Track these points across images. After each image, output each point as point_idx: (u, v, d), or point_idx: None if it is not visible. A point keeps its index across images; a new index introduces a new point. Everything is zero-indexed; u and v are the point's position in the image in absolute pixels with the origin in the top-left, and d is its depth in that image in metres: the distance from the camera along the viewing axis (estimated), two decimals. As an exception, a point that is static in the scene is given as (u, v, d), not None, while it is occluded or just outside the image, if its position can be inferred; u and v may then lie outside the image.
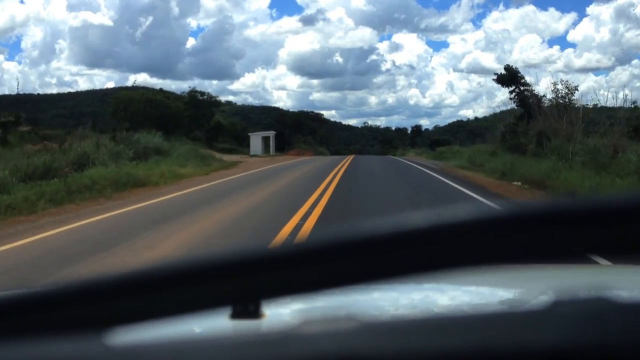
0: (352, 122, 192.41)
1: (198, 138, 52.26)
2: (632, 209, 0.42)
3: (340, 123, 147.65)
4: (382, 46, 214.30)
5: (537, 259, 0.45)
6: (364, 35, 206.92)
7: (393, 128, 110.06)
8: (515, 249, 0.43)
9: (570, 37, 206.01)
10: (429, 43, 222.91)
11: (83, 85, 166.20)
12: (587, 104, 22.52)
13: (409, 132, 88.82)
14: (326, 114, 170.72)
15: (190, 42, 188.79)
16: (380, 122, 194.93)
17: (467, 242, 0.43)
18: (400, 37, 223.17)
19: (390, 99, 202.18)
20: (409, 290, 1.14)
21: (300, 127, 67.53)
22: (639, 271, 1.25)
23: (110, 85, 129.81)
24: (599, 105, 22.63)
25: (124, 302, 0.46)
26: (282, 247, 0.46)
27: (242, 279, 0.45)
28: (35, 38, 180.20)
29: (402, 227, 0.44)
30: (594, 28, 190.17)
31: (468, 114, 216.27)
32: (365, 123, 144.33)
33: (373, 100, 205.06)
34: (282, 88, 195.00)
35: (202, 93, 60.36)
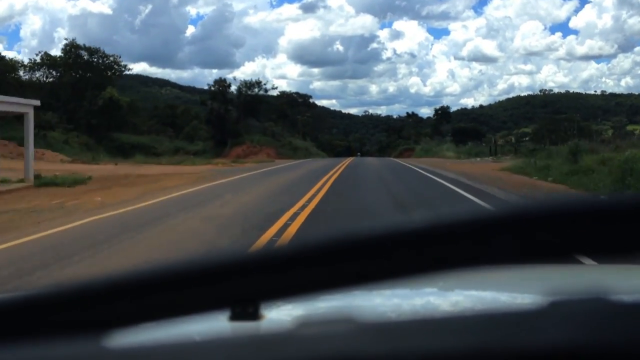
0: (353, 111, 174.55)
1: (50, 126, 29.47)
2: (625, 210, 0.42)
3: (341, 112, 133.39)
4: (383, 34, 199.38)
5: (533, 260, 0.45)
6: (365, 22, 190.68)
7: (394, 116, 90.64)
8: (510, 249, 0.43)
9: (572, 24, 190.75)
10: (430, 30, 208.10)
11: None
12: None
13: (431, 117, 66.72)
14: (327, 102, 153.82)
15: (190, 30, 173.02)
16: (381, 110, 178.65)
17: (464, 243, 0.43)
18: (401, 25, 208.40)
19: (391, 88, 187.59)
20: (411, 295, 1.14)
21: (254, 109, 45.05)
22: (636, 271, 1.24)
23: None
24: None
25: (123, 304, 0.46)
26: (281, 248, 0.46)
27: (241, 281, 0.45)
28: (34, 26, 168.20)
29: (399, 229, 0.44)
30: (596, 15, 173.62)
31: (469, 102, 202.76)
32: (365, 112, 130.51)
33: (374, 88, 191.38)
34: (283, 77, 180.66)
35: (93, 51, 37.73)
